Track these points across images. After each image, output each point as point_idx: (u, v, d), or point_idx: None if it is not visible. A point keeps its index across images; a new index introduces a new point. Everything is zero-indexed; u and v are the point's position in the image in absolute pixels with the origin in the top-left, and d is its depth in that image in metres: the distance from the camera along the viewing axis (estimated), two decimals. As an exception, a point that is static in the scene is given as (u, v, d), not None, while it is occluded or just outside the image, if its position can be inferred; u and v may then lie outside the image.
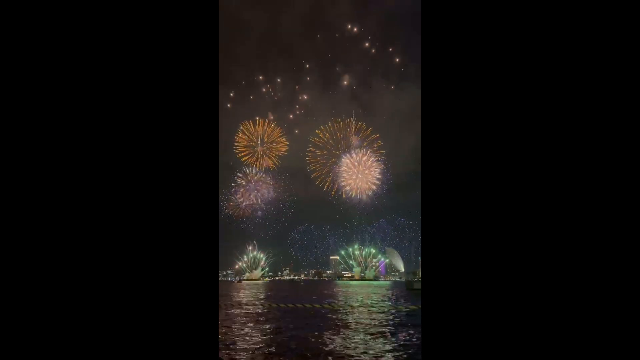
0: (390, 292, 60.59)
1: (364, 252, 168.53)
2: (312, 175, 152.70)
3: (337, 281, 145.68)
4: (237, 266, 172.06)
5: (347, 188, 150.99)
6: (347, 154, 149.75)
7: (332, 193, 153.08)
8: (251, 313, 24.47)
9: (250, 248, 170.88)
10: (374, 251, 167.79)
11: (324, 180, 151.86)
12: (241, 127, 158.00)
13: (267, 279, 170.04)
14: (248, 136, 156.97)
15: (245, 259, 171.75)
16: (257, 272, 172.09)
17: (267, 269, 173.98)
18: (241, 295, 51.12)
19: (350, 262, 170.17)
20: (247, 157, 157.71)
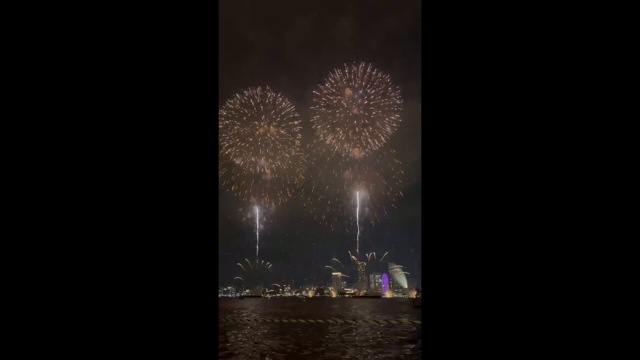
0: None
1: (366, 263, 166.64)
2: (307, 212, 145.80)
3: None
4: (235, 277, 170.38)
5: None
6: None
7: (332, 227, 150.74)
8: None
9: (250, 263, 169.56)
10: (386, 253, 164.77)
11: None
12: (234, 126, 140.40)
13: (269, 296, 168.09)
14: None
15: (246, 273, 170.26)
16: (259, 288, 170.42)
17: (282, 287, 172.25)
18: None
19: (338, 274, 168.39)
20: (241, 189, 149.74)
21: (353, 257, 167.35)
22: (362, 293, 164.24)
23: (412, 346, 14.14)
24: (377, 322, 26.16)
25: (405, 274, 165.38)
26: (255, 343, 14.97)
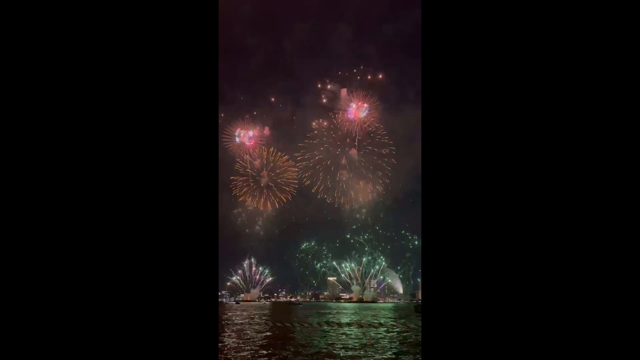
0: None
1: (362, 268, 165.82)
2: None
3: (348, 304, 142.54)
4: (230, 281, 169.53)
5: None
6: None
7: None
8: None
9: (246, 264, 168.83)
10: (382, 259, 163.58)
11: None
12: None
13: (264, 301, 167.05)
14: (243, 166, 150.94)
15: (242, 276, 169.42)
16: (255, 293, 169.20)
17: (278, 291, 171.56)
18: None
19: (333, 279, 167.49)
20: (245, 196, 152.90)
21: (349, 260, 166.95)
22: (357, 298, 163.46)
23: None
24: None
25: (400, 279, 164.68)
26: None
